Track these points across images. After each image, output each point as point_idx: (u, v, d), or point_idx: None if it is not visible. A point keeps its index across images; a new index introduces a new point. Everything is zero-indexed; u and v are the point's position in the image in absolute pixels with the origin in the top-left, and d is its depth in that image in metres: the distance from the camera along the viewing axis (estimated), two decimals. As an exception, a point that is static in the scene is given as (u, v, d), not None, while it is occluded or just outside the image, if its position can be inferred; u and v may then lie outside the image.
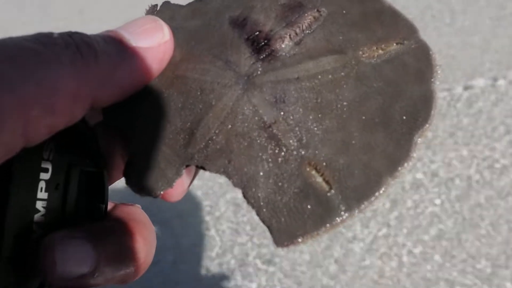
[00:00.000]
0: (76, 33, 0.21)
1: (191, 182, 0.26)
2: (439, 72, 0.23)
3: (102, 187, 0.26)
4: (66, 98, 0.20)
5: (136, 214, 0.26)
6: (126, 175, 0.23)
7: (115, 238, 0.24)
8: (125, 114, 0.24)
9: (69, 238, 0.22)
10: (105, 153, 0.26)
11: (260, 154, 0.22)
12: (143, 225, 0.25)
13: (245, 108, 0.23)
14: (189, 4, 0.27)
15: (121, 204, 0.27)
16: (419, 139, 0.22)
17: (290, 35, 0.24)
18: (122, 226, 0.25)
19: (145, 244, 0.25)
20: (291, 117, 0.22)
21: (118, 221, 0.25)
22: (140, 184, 0.23)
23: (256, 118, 0.23)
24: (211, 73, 0.24)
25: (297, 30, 0.24)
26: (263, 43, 0.24)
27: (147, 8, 0.27)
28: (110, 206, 0.27)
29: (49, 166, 0.22)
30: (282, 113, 0.22)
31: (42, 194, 0.22)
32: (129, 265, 0.24)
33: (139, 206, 0.27)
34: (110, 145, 0.26)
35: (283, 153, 0.22)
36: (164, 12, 0.26)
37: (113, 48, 0.22)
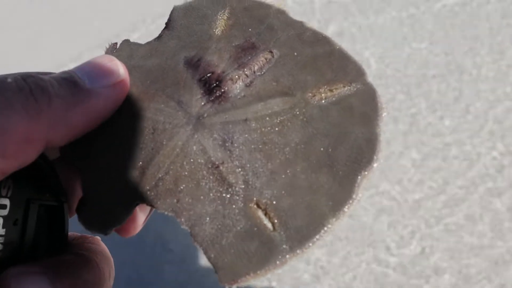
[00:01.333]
0: (31, 76, 0.22)
1: (147, 218, 0.27)
2: (384, 114, 0.24)
3: (62, 220, 0.26)
4: (18, 142, 0.20)
5: (96, 246, 0.27)
6: (78, 211, 0.24)
7: (73, 271, 0.24)
8: (80, 151, 0.24)
9: (25, 273, 0.22)
10: (66, 185, 0.27)
11: (208, 194, 0.23)
12: (102, 257, 0.26)
13: (195, 148, 0.23)
14: (148, 43, 0.27)
15: (81, 236, 0.27)
16: (363, 181, 0.23)
17: (241, 77, 0.25)
18: (81, 259, 0.25)
19: (103, 277, 0.25)
20: (239, 158, 0.23)
21: (78, 253, 0.26)
22: (91, 221, 0.24)
23: (205, 158, 0.23)
24: (164, 113, 0.24)
25: (248, 72, 0.25)
26: (214, 84, 0.25)
27: (107, 47, 0.27)
28: (71, 238, 0.27)
29: (7, 203, 0.23)
30: (229, 154, 0.23)
31: None
32: None
33: (99, 238, 0.28)
34: (70, 178, 0.27)
35: (229, 193, 0.23)
36: (123, 51, 0.27)
37: (67, 91, 0.22)
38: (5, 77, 0.21)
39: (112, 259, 0.27)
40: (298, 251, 0.21)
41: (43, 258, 0.24)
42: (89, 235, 0.28)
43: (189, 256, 1.02)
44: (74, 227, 0.27)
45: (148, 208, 0.26)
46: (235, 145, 0.23)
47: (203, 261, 1.00)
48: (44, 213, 0.25)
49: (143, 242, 1.05)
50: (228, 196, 0.23)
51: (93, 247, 0.26)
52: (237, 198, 0.22)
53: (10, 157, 0.20)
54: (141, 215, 0.26)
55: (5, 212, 0.23)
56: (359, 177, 0.23)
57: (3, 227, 0.23)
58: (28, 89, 0.21)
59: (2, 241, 0.23)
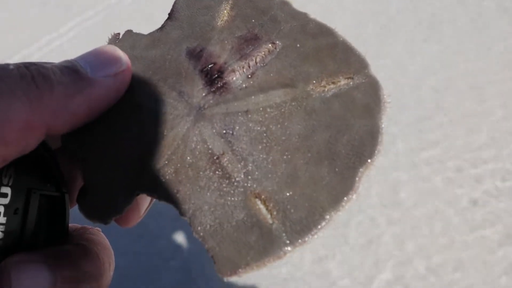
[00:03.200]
0: (34, 64, 0.22)
1: (147, 208, 0.27)
2: (387, 107, 0.23)
3: (63, 211, 0.26)
4: (18, 129, 0.20)
5: (96, 236, 0.27)
6: (78, 201, 0.24)
7: (73, 261, 0.24)
8: (82, 141, 0.24)
9: (25, 262, 0.22)
10: (67, 176, 0.27)
11: (207, 184, 0.23)
12: (102, 248, 0.26)
13: (195, 139, 0.23)
14: (151, 33, 0.27)
15: (82, 227, 0.27)
16: (364, 174, 0.22)
17: (243, 68, 0.25)
18: (81, 249, 0.25)
19: (103, 268, 0.25)
20: (239, 149, 0.23)
21: (78, 244, 0.26)
22: (91, 211, 0.23)
23: (205, 149, 0.23)
24: (165, 103, 0.24)
25: (250, 63, 0.25)
26: (216, 75, 0.24)
27: (110, 37, 0.27)
28: (72, 229, 0.27)
29: (8, 191, 0.23)
30: (230, 145, 0.23)
31: (0, 219, 0.22)
32: None
33: (99, 229, 0.28)
34: (72, 168, 0.27)
35: (229, 185, 0.22)
36: (125, 41, 0.27)
37: (69, 79, 0.22)
38: (7, 64, 0.21)
39: (112, 251, 0.27)
40: (297, 243, 0.21)
41: (43, 247, 0.24)
42: (90, 226, 0.28)
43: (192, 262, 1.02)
44: (76, 219, 0.27)
45: (149, 198, 0.26)
46: (236, 136, 0.23)
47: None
48: (46, 203, 0.25)
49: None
50: (228, 187, 0.22)
51: (93, 238, 0.26)
52: (237, 189, 0.22)
53: (10, 143, 0.20)
54: (142, 205, 0.26)
55: (6, 200, 0.23)
56: (360, 170, 0.22)
57: (4, 216, 0.23)
58: (30, 76, 0.21)
59: (2, 230, 0.23)
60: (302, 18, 0.27)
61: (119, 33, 0.28)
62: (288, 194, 0.22)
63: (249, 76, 0.25)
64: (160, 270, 1.03)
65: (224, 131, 0.23)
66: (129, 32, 0.27)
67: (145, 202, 0.26)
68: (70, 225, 0.27)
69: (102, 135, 0.24)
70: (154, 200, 0.26)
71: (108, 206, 0.23)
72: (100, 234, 0.27)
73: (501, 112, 1.14)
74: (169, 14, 0.28)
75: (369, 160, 0.22)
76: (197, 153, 0.23)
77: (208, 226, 0.22)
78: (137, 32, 0.27)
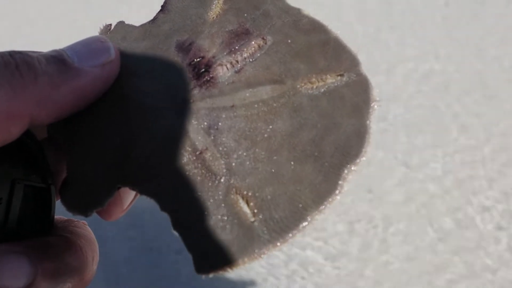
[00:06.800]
0: (19, 52, 0.22)
1: (131, 202, 0.26)
2: (375, 107, 0.23)
3: (49, 203, 0.26)
4: (0, 117, 0.20)
5: (80, 229, 0.26)
6: (61, 192, 0.24)
7: (55, 253, 0.24)
8: (68, 131, 0.24)
9: (5, 253, 0.22)
10: (54, 167, 0.26)
11: (189, 180, 0.22)
12: (86, 241, 0.26)
13: (179, 133, 0.23)
14: (142, 25, 0.27)
15: (68, 220, 0.27)
16: (349, 174, 0.22)
17: (230, 63, 0.24)
18: (64, 241, 0.25)
19: (86, 261, 0.25)
20: (223, 145, 0.22)
21: (61, 236, 0.25)
22: (72, 203, 0.23)
23: (188, 144, 0.23)
24: (151, 96, 0.24)
25: (239, 58, 0.24)
26: (203, 69, 0.24)
27: (101, 28, 0.27)
28: (58, 221, 0.27)
29: None
30: (214, 140, 0.23)
31: None
32: (67, 281, 0.24)
33: (85, 222, 0.27)
34: (59, 160, 0.27)
35: (211, 180, 0.22)
36: (117, 32, 0.27)
37: (55, 68, 0.22)
38: None
39: (97, 244, 0.26)
40: (277, 243, 0.21)
41: (26, 239, 0.24)
42: (76, 219, 0.27)
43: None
44: (63, 211, 0.27)
45: (133, 192, 0.26)
46: (220, 131, 0.23)
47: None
48: (31, 194, 0.25)
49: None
50: (210, 183, 0.22)
51: (77, 231, 0.26)
52: (219, 185, 0.22)
53: None
54: (125, 199, 0.26)
55: None
56: (345, 170, 0.22)
57: None
58: (14, 64, 0.21)
59: None
60: (295, 14, 0.26)
61: (110, 24, 0.27)
62: (270, 192, 0.22)
63: (237, 71, 0.24)
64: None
65: (209, 126, 0.23)
66: (121, 23, 0.27)
67: (128, 195, 0.26)
68: (56, 217, 0.27)
69: (87, 126, 0.24)
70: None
71: (89, 198, 0.23)
72: (85, 227, 0.27)
73: None
74: (162, 6, 0.28)
75: (355, 160, 0.22)
76: (181, 147, 0.23)
77: (188, 222, 0.22)
78: (130, 23, 0.27)
